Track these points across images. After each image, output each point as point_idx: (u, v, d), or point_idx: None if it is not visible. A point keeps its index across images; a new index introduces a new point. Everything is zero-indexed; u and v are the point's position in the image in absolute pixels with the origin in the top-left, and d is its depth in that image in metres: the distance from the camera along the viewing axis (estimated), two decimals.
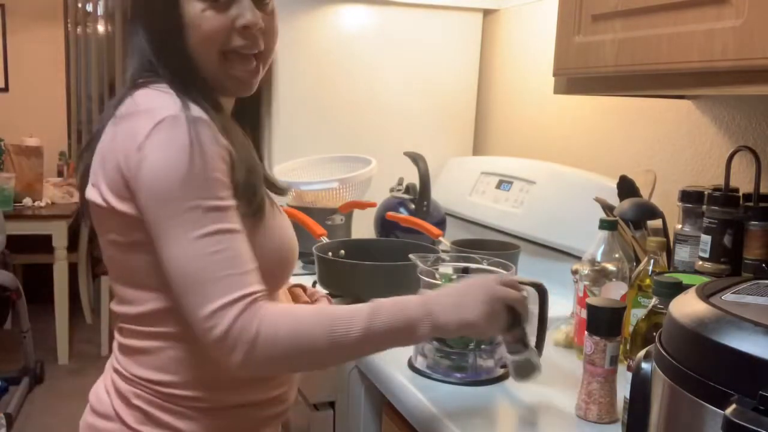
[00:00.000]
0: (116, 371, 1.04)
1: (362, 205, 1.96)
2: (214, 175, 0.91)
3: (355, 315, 0.95)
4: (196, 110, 0.93)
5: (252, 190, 0.97)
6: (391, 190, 2.05)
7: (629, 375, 0.82)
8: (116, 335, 1.06)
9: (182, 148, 0.89)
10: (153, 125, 0.91)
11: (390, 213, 1.92)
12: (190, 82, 0.97)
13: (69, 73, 4.83)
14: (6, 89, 4.68)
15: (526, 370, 1.08)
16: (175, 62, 0.98)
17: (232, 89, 1.03)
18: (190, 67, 0.98)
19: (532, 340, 1.10)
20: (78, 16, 4.84)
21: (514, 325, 1.02)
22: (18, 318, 3.54)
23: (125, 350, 1.04)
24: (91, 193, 0.98)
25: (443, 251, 1.62)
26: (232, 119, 1.05)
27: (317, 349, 0.92)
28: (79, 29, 4.84)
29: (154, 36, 0.99)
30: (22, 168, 3.80)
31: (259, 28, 0.99)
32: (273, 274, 1.01)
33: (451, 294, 1.00)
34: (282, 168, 2.06)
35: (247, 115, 1.12)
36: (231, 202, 0.93)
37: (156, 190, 0.90)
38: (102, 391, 1.06)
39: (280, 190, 1.21)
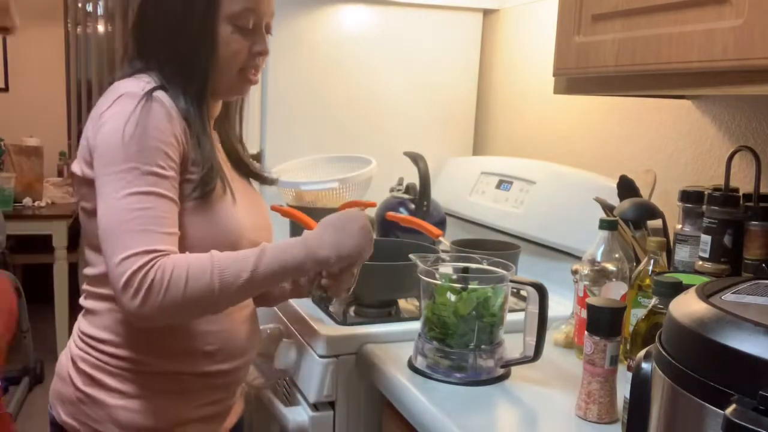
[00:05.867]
0: (75, 333, 1.17)
1: (362, 205, 1.96)
2: (155, 145, 1.03)
3: (242, 261, 1.05)
4: (160, 94, 1.07)
5: (206, 180, 1.10)
6: (391, 190, 2.05)
7: (629, 375, 0.82)
8: (80, 298, 1.19)
9: (128, 117, 1.03)
10: (114, 99, 1.06)
11: (390, 213, 1.91)
12: (192, 87, 1.12)
13: (69, 73, 4.82)
14: (6, 89, 4.68)
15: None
16: (196, 71, 1.12)
17: (232, 95, 1.23)
18: (204, 76, 1.13)
19: None
20: (78, 16, 4.84)
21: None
22: (18, 318, 3.54)
23: (84, 312, 1.17)
24: (74, 165, 1.12)
25: (443, 251, 1.62)
26: (213, 127, 1.22)
27: (206, 293, 1.01)
28: (79, 29, 4.83)
29: (185, 46, 1.12)
30: (22, 168, 3.80)
31: (267, 53, 1.19)
32: None
33: (330, 231, 1.13)
34: (282, 168, 2.06)
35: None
36: (171, 173, 1.05)
37: (101, 151, 1.03)
38: (63, 355, 1.19)
39: (267, 180, 1.37)
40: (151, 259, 0.99)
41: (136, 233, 1.00)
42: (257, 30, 1.17)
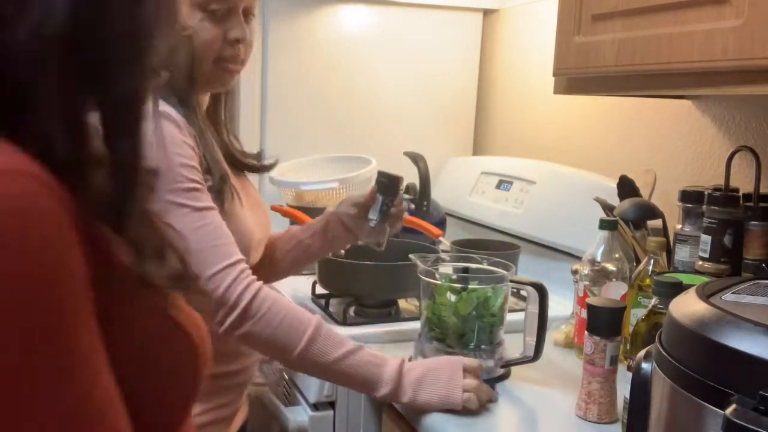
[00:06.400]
0: None
1: None
2: (182, 161, 1.03)
3: (338, 343, 1.06)
4: (163, 106, 1.03)
5: (220, 188, 1.10)
6: None
7: (629, 375, 0.82)
8: None
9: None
10: None
11: None
12: (179, 85, 1.08)
13: None
14: None
15: None
16: (179, 68, 1.07)
17: (212, 88, 1.16)
18: (188, 72, 1.08)
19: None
20: None
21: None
22: None
23: None
24: None
25: (443, 251, 1.62)
26: (205, 119, 1.17)
27: (290, 349, 1.04)
28: None
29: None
30: None
31: (245, 40, 1.12)
32: None
33: (419, 372, 1.09)
34: (282, 168, 2.06)
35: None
36: (202, 184, 1.06)
37: None
38: None
39: (261, 169, 1.33)
40: (239, 273, 1.03)
41: (211, 249, 1.02)
42: (231, 15, 1.09)
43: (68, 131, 0.51)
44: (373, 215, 1.30)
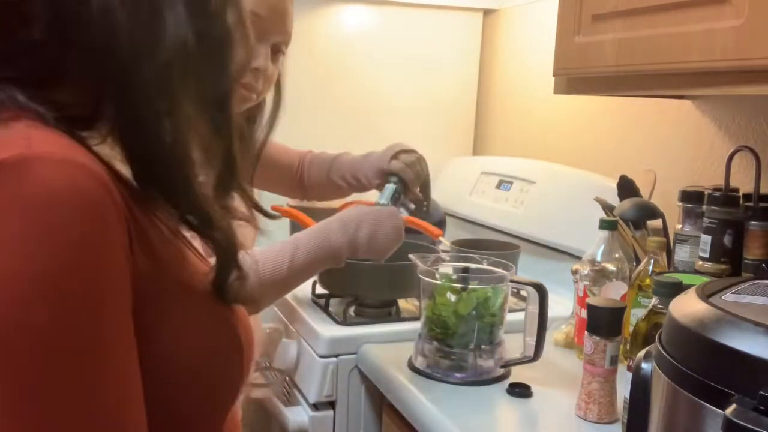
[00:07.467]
0: None
1: (363, 205, 1.96)
2: None
3: (279, 255, 1.11)
4: None
5: None
6: None
7: (629, 375, 0.82)
8: None
9: None
10: None
11: None
12: None
13: None
14: None
15: None
16: None
17: None
18: None
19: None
20: None
21: None
22: None
23: None
24: None
25: (443, 251, 1.62)
26: None
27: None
28: None
29: None
30: None
31: (266, 72, 1.19)
32: None
33: (367, 225, 1.23)
34: None
35: None
36: None
37: None
38: None
39: None
40: None
41: None
42: (259, 44, 1.16)
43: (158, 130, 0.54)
44: (382, 200, 1.40)
